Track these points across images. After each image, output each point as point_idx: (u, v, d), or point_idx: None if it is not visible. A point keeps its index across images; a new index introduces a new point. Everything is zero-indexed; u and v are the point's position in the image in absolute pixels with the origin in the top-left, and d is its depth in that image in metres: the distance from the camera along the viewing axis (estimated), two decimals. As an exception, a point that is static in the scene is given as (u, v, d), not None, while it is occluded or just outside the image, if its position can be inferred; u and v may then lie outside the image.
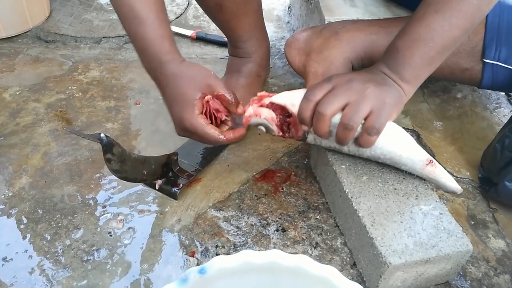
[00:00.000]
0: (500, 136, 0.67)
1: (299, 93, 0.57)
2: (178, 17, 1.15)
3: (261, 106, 0.60)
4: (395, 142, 0.57)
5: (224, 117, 0.61)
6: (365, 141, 0.54)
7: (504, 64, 0.70)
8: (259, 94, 0.61)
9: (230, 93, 0.60)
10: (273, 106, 0.60)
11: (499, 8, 0.70)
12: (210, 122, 0.60)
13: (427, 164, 0.58)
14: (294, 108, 0.58)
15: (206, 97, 0.58)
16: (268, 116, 0.60)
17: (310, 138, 0.61)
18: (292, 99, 0.58)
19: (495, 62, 0.71)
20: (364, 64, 0.79)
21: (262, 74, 0.84)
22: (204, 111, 0.59)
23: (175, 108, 0.59)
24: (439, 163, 0.74)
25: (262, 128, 0.61)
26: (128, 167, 0.59)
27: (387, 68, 0.57)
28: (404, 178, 0.61)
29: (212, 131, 0.58)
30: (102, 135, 0.54)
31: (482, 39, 0.70)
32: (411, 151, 0.58)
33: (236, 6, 0.75)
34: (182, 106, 0.58)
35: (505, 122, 0.72)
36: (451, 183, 0.60)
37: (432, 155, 0.77)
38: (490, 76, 0.72)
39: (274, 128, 0.60)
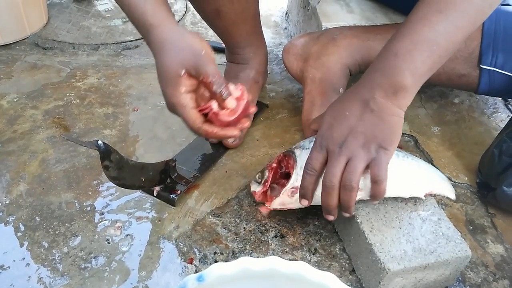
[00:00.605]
0: (497, 141, 0.67)
1: (284, 198, 0.60)
2: (176, 23, 1.15)
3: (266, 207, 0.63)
4: (398, 185, 0.56)
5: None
6: (376, 191, 0.52)
7: (501, 70, 0.71)
8: (254, 193, 0.64)
9: (219, 81, 0.55)
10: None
11: (495, 15, 0.70)
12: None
13: (425, 195, 0.59)
14: (289, 207, 0.61)
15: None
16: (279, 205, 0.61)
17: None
18: (283, 205, 0.61)
19: (492, 68, 0.71)
20: (361, 70, 0.79)
21: (260, 80, 0.85)
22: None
23: (161, 82, 0.55)
24: (437, 168, 0.75)
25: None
26: (126, 174, 0.59)
27: (380, 79, 0.52)
28: (402, 184, 0.61)
29: (192, 116, 0.54)
30: (100, 142, 0.54)
31: (478, 45, 0.71)
32: (411, 190, 0.57)
33: (234, 13, 0.75)
34: (166, 81, 0.54)
35: (503, 127, 0.72)
36: (450, 195, 0.61)
37: (430, 160, 0.77)
38: (487, 82, 0.72)
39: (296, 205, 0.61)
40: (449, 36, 0.51)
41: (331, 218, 0.55)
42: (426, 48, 0.51)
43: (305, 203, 0.56)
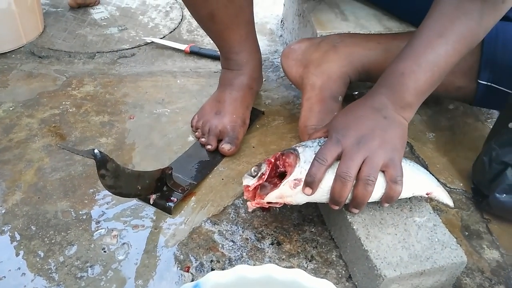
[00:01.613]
0: (486, 149, 0.68)
1: (284, 190, 0.57)
2: (172, 31, 1.16)
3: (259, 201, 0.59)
4: (405, 186, 0.57)
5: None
6: (394, 191, 0.55)
7: (497, 85, 0.72)
8: (246, 187, 0.60)
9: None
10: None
11: (496, 30, 0.71)
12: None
13: (427, 194, 0.60)
14: (286, 201, 0.58)
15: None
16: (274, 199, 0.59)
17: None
18: (280, 197, 0.58)
19: (489, 83, 0.72)
20: (361, 78, 0.80)
21: (254, 86, 0.85)
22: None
23: None
24: (432, 174, 0.75)
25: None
26: (122, 182, 0.59)
27: (389, 93, 0.58)
28: (397, 190, 0.61)
29: None
30: (96, 151, 0.54)
31: (478, 60, 0.72)
32: (415, 187, 0.59)
33: (228, 17, 0.76)
34: None
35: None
36: (448, 202, 0.62)
37: (425, 166, 0.77)
38: (483, 96, 0.73)
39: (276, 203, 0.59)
40: (449, 58, 0.57)
41: (336, 207, 0.56)
42: (428, 69, 0.56)
43: (309, 192, 0.55)
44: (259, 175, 0.60)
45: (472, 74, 0.73)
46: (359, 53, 0.77)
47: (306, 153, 0.58)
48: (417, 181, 0.59)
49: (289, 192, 0.57)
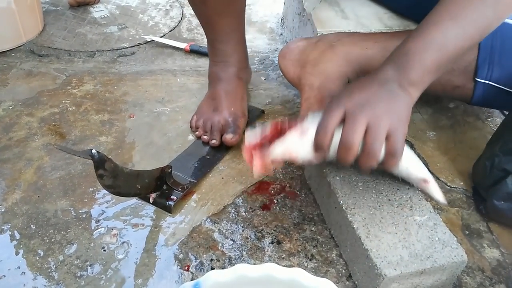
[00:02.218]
0: (489, 153, 0.68)
1: (290, 139, 0.54)
2: (172, 30, 1.15)
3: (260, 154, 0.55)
4: (404, 160, 0.56)
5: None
6: (390, 164, 0.53)
7: (496, 83, 0.71)
8: (247, 144, 0.56)
9: None
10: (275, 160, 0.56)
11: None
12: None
13: (424, 182, 0.59)
14: (292, 156, 0.55)
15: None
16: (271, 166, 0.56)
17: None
18: (286, 150, 0.55)
19: (486, 82, 0.72)
20: (359, 78, 0.79)
21: (243, 76, 0.86)
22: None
23: None
24: (432, 173, 0.75)
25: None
26: (121, 182, 0.59)
27: (394, 69, 0.56)
28: (398, 189, 0.61)
29: None
30: (93, 151, 0.54)
31: (475, 58, 0.71)
32: (415, 169, 0.58)
33: (220, 4, 0.77)
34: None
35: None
36: (439, 198, 0.59)
37: (426, 165, 0.77)
38: (480, 94, 0.73)
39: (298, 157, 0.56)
40: (458, 42, 0.55)
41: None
42: (436, 49, 0.55)
43: (320, 151, 0.54)
44: (261, 134, 0.57)
45: (470, 72, 0.73)
46: (357, 52, 0.77)
47: (310, 118, 0.56)
48: (416, 163, 0.58)
49: (296, 144, 0.54)
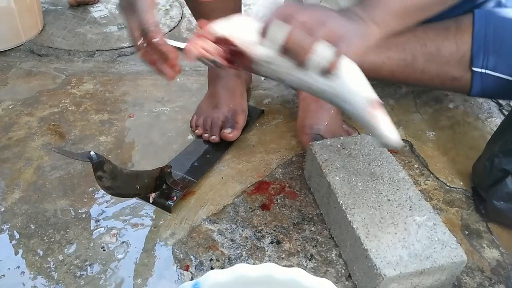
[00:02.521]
0: (489, 154, 0.68)
1: (239, 21, 0.52)
2: (171, 29, 1.15)
3: (202, 37, 0.53)
4: (350, 73, 0.50)
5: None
6: (331, 62, 0.48)
7: (493, 72, 0.71)
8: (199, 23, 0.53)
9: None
10: (214, 37, 0.53)
11: (485, 17, 0.71)
12: None
13: (371, 106, 0.50)
14: (236, 39, 0.51)
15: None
16: (212, 49, 0.53)
17: (260, 63, 0.52)
18: (233, 29, 0.52)
19: (483, 71, 0.72)
20: None
21: (242, 74, 0.86)
22: None
23: None
24: (432, 173, 0.75)
25: (209, 62, 0.55)
26: (120, 183, 0.59)
27: (360, 8, 0.53)
28: (397, 189, 0.61)
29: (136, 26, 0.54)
30: (92, 153, 0.54)
31: (469, 48, 0.72)
32: (361, 86, 0.51)
33: (214, 1, 0.76)
34: None
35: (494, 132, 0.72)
36: (391, 134, 0.50)
37: (425, 165, 0.77)
38: (479, 84, 0.73)
39: (219, 61, 0.53)
40: None
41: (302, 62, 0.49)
42: None
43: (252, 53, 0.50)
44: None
45: (466, 62, 0.73)
46: None
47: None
48: (361, 80, 0.51)
49: (241, 24, 0.51)
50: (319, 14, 0.50)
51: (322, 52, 0.48)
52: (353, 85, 0.50)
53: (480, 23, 0.70)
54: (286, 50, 0.49)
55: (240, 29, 0.52)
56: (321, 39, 0.47)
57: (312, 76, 0.51)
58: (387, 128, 0.50)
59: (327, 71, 0.49)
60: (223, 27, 0.52)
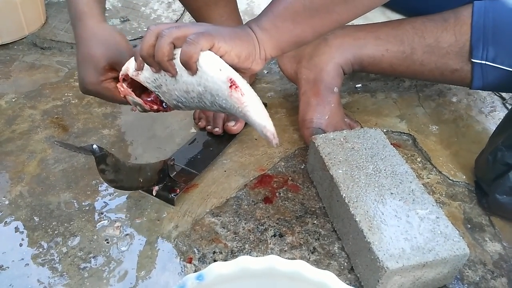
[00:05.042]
0: (492, 147, 0.67)
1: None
2: (174, 23, 1.15)
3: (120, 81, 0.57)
4: (209, 64, 0.49)
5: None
6: (184, 52, 0.48)
7: (493, 63, 0.71)
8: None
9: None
10: (121, 78, 0.57)
11: (484, 8, 0.71)
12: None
13: (230, 87, 0.48)
14: (128, 71, 0.54)
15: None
16: (123, 90, 0.57)
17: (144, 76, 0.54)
18: (127, 64, 0.55)
19: (483, 62, 0.71)
20: (355, 69, 0.80)
21: None
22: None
23: (81, 68, 0.59)
24: (435, 167, 0.75)
25: (138, 107, 0.59)
26: (123, 176, 0.59)
27: (252, 20, 0.54)
28: (400, 183, 0.61)
29: (119, 97, 0.59)
30: (94, 146, 0.54)
31: (468, 39, 0.71)
32: (218, 71, 0.48)
33: None
34: (89, 69, 0.58)
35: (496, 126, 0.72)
36: (262, 121, 0.49)
37: (428, 159, 0.77)
38: (480, 76, 0.73)
39: (138, 101, 0.57)
40: None
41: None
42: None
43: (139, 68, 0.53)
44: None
45: (465, 54, 0.72)
46: (350, 43, 0.77)
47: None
48: (219, 63, 0.49)
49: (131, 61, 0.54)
50: (184, 23, 0.50)
51: (179, 52, 0.48)
52: (211, 71, 0.48)
53: (479, 14, 0.70)
54: (152, 62, 0.50)
55: (132, 62, 0.54)
56: (176, 39, 0.48)
57: (186, 80, 0.51)
58: (256, 115, 0.49)
59: (187, 65, 0.48)
60: (124, 66, 0.56)
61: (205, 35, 0.48)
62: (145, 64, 0.52)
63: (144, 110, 0.59)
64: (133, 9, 1.20)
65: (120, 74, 0.57)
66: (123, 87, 0.57)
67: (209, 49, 0.48)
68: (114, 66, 0.59)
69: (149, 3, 1.23)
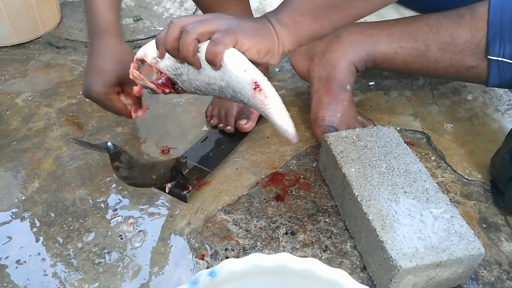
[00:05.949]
0: (509, 146, 0.66)
1: (152, 42, 0.54)
2: (187, 21, 1.16)
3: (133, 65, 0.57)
4: (233, 61, 0.49)
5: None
6: (210, 51, 0.48)
7: (510, 60, 0.70)
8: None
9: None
10: (136, 61, 0.57)
11: (501, 4, 0.69)
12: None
13: (254, 89, 0.49)
14: (146, 57, 0.55)
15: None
16: (140, 78, 0.57)
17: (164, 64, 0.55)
18: (144, 49, 0.55)
19: (500, 59, 0.70)
20: (367, 66, 0.79)
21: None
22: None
23: (92, 78, 0.66)
24: (449, 165, 0.74)
25: (148, 90, 0.59)
26: (137, 173, 0.60)
27: (271, 12, 0.54)
28: (414, 181, 0.61)
29: (119, 108, 0.68)
30: (109, 143, 0.55)
31: (485, 35, 0.70)
32: (244, 72, 0.49)
33: None
34: (98, 80, 0.65)
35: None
36: (284, 124, 0.51)
37: (443, 157, 0.76)
38: (496, 73, 0.72)
39: (150, 85, 0.57)
40: None
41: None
42: None
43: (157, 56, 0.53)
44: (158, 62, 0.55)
45: (481, 51, 0.71)
46: (362, 41, 0.76)
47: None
48: (244, 63, 0.49)
49: (151, 46, 0.54)
50: (205, 16, 0.52)
51: (205, 47, 0.49)
52: (236, 71, 0.49)
53: (496, 10, 0.69)
54: (177, 55, 0.51)
55: (151, 49, 0.54)
56: (200, 35, 0.49)
57: (209, 74, 0.51)
58: (279, 117, 0.51)
59: (212, 63, 0.49)
60: (141, 50, 0.56)
61: (230, 33, 0.48)
62: (166, 53, 0.52)
63: (155, 92, 0.59)
64: (146, 8, 1.21)
65: (135, 58, 0.57)
66: (135, 73, 0.58)
67: (233, 46, 0.49)
68: (121, 82, 0.66)
69: (161, 2, 1.24)
